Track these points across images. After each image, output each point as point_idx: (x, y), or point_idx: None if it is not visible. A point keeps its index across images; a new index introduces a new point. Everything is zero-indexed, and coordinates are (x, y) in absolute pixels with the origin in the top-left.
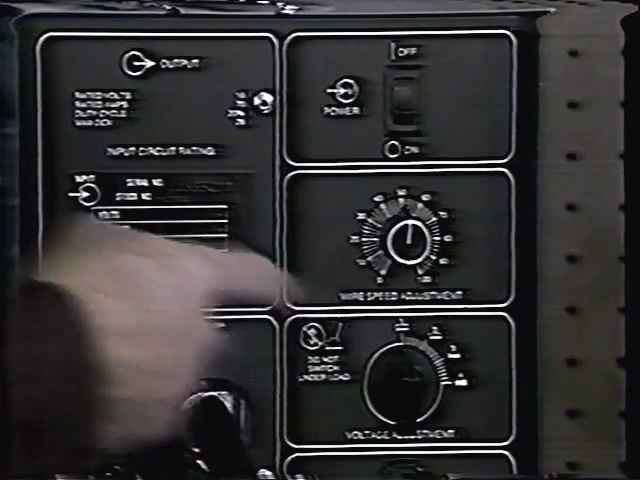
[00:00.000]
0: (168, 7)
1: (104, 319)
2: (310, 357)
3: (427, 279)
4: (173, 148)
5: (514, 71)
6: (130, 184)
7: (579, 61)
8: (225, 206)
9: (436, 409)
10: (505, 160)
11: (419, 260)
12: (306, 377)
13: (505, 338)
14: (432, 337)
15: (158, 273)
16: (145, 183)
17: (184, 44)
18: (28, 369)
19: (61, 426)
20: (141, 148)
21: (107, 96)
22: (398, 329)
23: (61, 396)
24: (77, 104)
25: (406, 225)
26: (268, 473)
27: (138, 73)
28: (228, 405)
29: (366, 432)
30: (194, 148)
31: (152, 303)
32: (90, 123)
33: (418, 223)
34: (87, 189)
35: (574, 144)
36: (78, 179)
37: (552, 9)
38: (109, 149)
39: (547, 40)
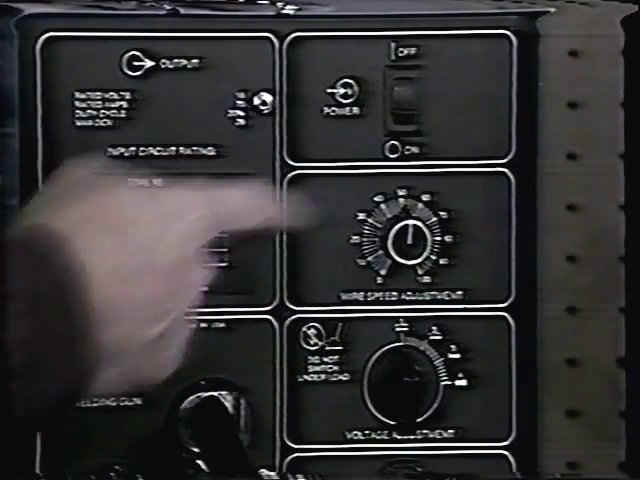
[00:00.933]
0: (168, 7)
1: (89, 257)
2: (310, 357)
3: (427, 279)
4: (173, 148)
5: (514, 71)
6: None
7: (579, 61)
8: None
9: (436, 409)
10: (505, 160)
11: (419, 260)
12: (306, 377)
13: (505, 338)
14: (432, 337)
15: (145, 204)
16: (145, 183)
17: (184, 44)
18: (17, 305)
19: (51, 364)
20: (141, 148)
21: (107, 96)
22: (398, 329)
23: (50, 333)
24: (77, 104)
25: (406, 225)
26: (271, 473)
27: (138, 73)
28: (228, 405)
29: (366, 432)
30: (194, 148)
31: (138, 238)
32: (90, 123)
33: (418, 223)
34: None
35: (574, 144)
36: None
37: (552, 9)
38: (109, 149)
39: (547, 40)
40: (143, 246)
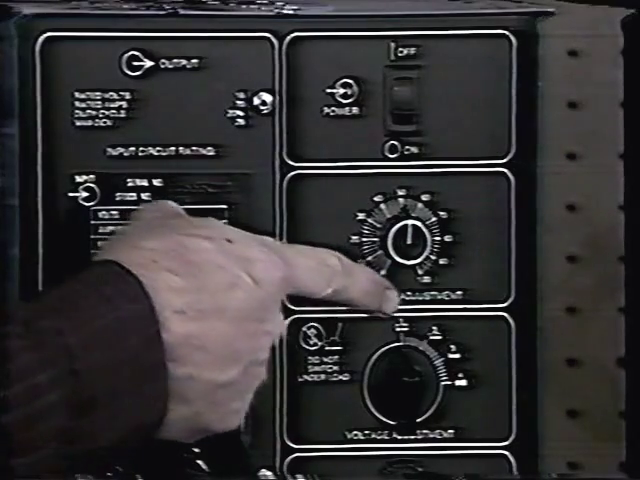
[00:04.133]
0: (168, 7)
1: (159, 294)
2: (310, 357)
3: (427, 279)
4: (173, 148)
5: (514, 71)
6: (130, 184)
7: (579, 61)
8: (225, 206)
9: (436, 409)
10: (505, 160)
11: (419, 260)
12: (306, 377)
13: (505, 338)
14: (432, 337)
15: (219, 256)
16: (145, 183)
17: (183, 44)
18: (94, 337)
19: (125, 397)
20: (141, 148)
21: (106, 96)
22: (398, 329)
23: (121, 366)
24: (77, 104)
25: (406, 225)
26: (268, 473)
27: (137, 73)
28: None
29: (366, 432)
30: (194, 148)
31: (211, 280)
32: (90, 123)
33: (418, 223)
34: (87, 189)
35: (574, 144)
36: (78, 179)
37: (552, 9)
38: (109, 149)
39: (547, 40)
40: (216, 288)
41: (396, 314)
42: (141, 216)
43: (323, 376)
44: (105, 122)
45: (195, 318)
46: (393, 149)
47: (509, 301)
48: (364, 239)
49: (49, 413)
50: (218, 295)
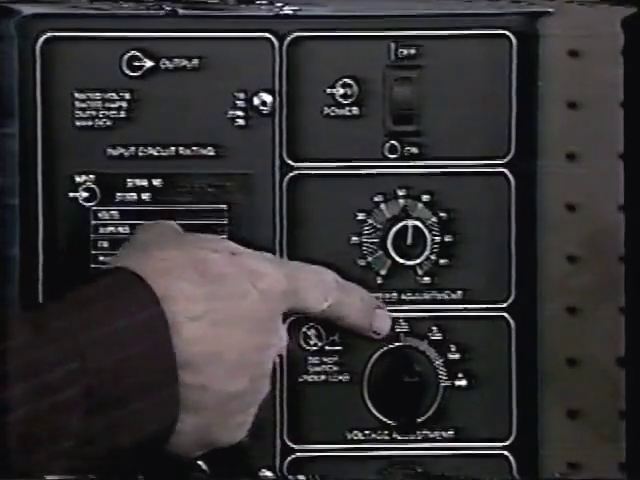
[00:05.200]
0: (168, 7)
1: (173, 301)
2: (310, 357)
3: (427, 279)
4: (173, 148)
5: (514, 71)
6: (130, 184)
7: (579, 61)
8: (225, 206)
9: (436, 409)
10: (505, 160)
11: (419, 260)
12: (306, 377)
13: (505, 338)
14: (432, 337)
15: (229, 267)
16: (145, 183)
17: (184, 44)
18: (106, 340)
19: (138, 402)
20: (141, 148)
21: (106, 96)
22: (398, 329)
23: (135, 370)
24: (77, 104)
25: (406, 225)
26: (268, 473)
27: (138, 73)
28: None
29: (366, 432)
30: (194, 148)
31: (225, 289)
32: (90, 123)
33: (418, 223)
34: (87, 189)
35: (574, 144)
36: (78, 179)
37: (552, 9)
38: (109, 149)
39: (547, 40)
40: (229, 298)
41: (396, 314)
42: (143, 236)
43: (323, 376)
44: (105, 122)
45: (209, 325)
46: (393, 149)
47: (509, 301)
48: (364, 239)
49: (64, 409)
50: (231, 304)
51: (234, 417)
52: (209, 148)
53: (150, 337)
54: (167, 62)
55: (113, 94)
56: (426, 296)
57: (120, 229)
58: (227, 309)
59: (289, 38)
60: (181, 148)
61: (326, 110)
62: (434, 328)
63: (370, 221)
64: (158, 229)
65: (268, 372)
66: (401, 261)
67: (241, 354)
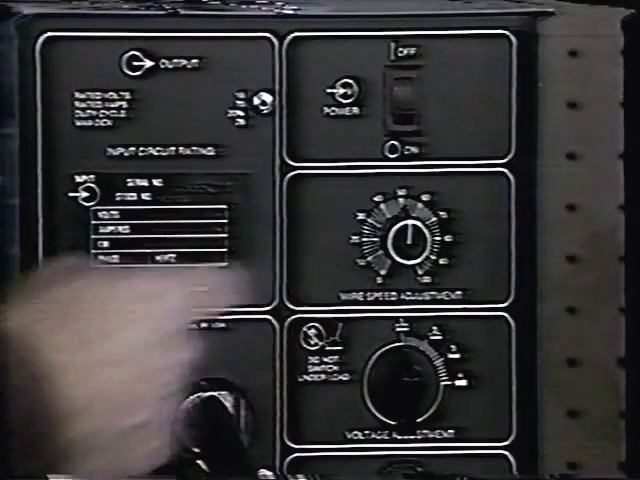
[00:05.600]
0: (168, 7)
1: (48, 354)
2: (310, 357)
3: (427, 279)
4: (173, 148)
5: (514, 71)
6: (130, 184)
7: (579, 61)
8: (225, 206)
9: (436, 409)
10: (505, 160)
11: (419, 260)
12: (306, 377)
13: (505, 338)
14: (432, 337)
15: (112, 290)
16: (145, 183)
17: (184, 44)
18: None
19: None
20: (141, 148)
21: (107, 96)
22: (398, 329)
23: (18, 427)
24: (77, 104)
25: (406, 225)
26: (268, 473)
27: (137, 73)
28: (228, 405)
29: (366, 432)
30: (194, 148)
31: (101, 326)
32: (90, 123)
33: (418, 223)
34: (87, 189)
35: (574, 144)
36: (78, 179)
37: (552, 9)
38: (109, 149)
39: (547, 40)
40: (108, 333)
41: (396, 314)
42: (34, 277)
43: (323, 376)
44: (105, 122)
45: (85, 371)
46: (393, 149)
47: (509, 301)
48: (364, 239)
49: None
50: (110, 340)
51: (145, 446)
52: (209, 148)
53: (26, 395)
54: (167, 62)
55: (113, 94)
56: (426, 296)
57: (120, 229)
58: (105, 346)
59: (289, 38)
60: (181, 148)
61: (326, 110)
62: (434, 328)
63: (370, 221)
64: (37, 278)
65: (178, 390)
66: (401, 261)
67: (132, 390)
